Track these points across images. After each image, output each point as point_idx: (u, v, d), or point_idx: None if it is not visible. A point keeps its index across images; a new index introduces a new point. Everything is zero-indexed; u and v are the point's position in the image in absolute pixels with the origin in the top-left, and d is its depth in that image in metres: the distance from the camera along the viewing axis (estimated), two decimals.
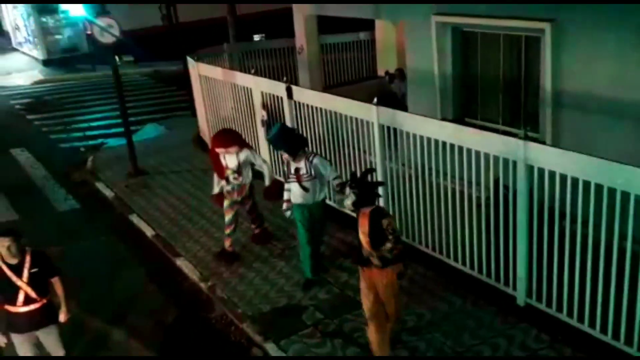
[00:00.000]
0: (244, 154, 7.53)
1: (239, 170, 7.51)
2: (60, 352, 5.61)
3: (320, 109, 8.36)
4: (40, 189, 11.43)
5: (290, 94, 8.99)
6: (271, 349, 6.02)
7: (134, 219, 9.53)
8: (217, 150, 7.57)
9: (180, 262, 7.98)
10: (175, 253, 8.22)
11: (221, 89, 11.21)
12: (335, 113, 8.08)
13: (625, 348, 5.27)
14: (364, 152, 7.82)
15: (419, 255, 7.16)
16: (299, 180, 6.64)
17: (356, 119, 7.79)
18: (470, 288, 6.52)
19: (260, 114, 9.96)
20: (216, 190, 7.83)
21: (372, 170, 6.05)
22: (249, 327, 6.41)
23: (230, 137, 7.73)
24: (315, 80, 12.44)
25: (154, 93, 19.30)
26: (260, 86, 9.79)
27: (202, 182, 10.64)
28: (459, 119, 9.10)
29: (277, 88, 9.25)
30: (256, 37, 17.99)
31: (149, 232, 9.00)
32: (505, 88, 8.56)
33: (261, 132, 10.20)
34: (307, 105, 8.65)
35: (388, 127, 7.32)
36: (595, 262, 5.32)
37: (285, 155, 6.79)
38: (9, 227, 5.52)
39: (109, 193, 10.75)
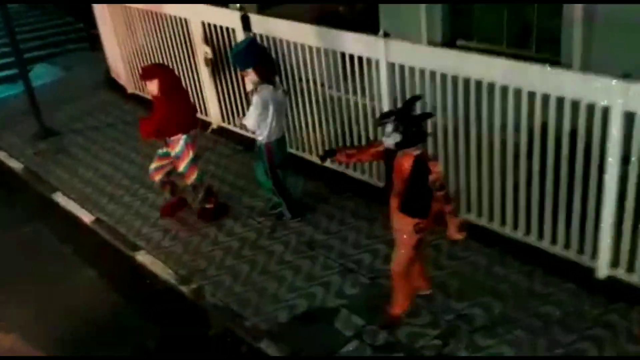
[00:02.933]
0: None
1: None
2: None
3: (296, 43, 6.62)
4: None
5: (247, 25, 7.11)
6: None
7: (60, 199, 7.47)
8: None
9: (143, 258, 6.19)
10: (132, 245, 6.39)
11: (141, 17, 8.98)
12: (319, 49, 6.39)
13: None
14: (364, 97, 6.27)
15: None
16: None
17: (351, 55, 6.18)
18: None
19: (203, 52, 8.02)
20: None
21: (418, 98, 4.84)
22: (270, 347, 4.90)
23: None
24: None
25: (32, 24, 15.98)
26: (201, 15, 7.79)
27: (132, 139, 8.50)
28: (449, 43, 7.70)
29: (227, 17, 7.34)
30: None
31: (85, 216, 7.02)
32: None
33: (204, 74, 8.28)
34: (275, 39, 6.86)
35: (401, 66, 5.78)
36: None
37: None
38: None
39: (15, 164, 8.46)
